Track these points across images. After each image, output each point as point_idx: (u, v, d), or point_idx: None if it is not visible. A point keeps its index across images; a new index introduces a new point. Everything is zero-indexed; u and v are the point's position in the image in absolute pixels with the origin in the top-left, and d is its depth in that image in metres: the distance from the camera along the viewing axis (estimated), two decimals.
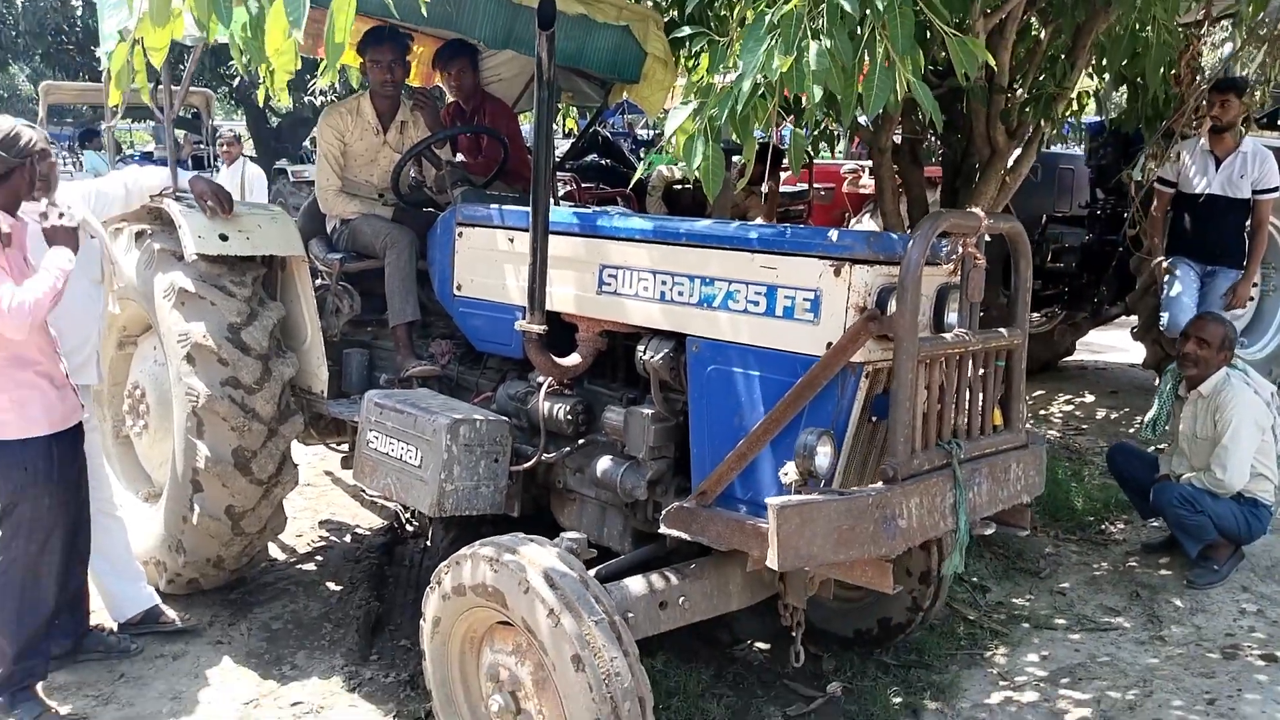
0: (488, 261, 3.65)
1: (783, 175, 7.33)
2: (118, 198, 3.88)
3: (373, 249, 4.26)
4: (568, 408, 3.38)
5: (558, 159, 5.28)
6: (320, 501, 5.55)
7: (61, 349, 3.33)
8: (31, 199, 3.24)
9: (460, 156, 4.86)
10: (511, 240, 3.55)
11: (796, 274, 2.71)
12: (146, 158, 15.73)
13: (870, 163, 10.07)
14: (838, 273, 2.61)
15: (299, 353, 4.11)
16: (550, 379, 3.40)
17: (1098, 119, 7.55)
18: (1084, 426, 6.85)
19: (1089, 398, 7.53)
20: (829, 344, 2.61)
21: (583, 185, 6.63)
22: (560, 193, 6.37)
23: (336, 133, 4.37)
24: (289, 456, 4.00)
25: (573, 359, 3.35)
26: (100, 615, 3.88)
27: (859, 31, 2.55)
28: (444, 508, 3.21)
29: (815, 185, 7.84)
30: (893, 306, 2.55)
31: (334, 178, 4.39)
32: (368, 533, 5.16)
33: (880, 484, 2.50)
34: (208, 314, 3.79)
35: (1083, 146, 7.85)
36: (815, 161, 7.58)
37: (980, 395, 2.84)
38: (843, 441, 2.62)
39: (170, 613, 3.92)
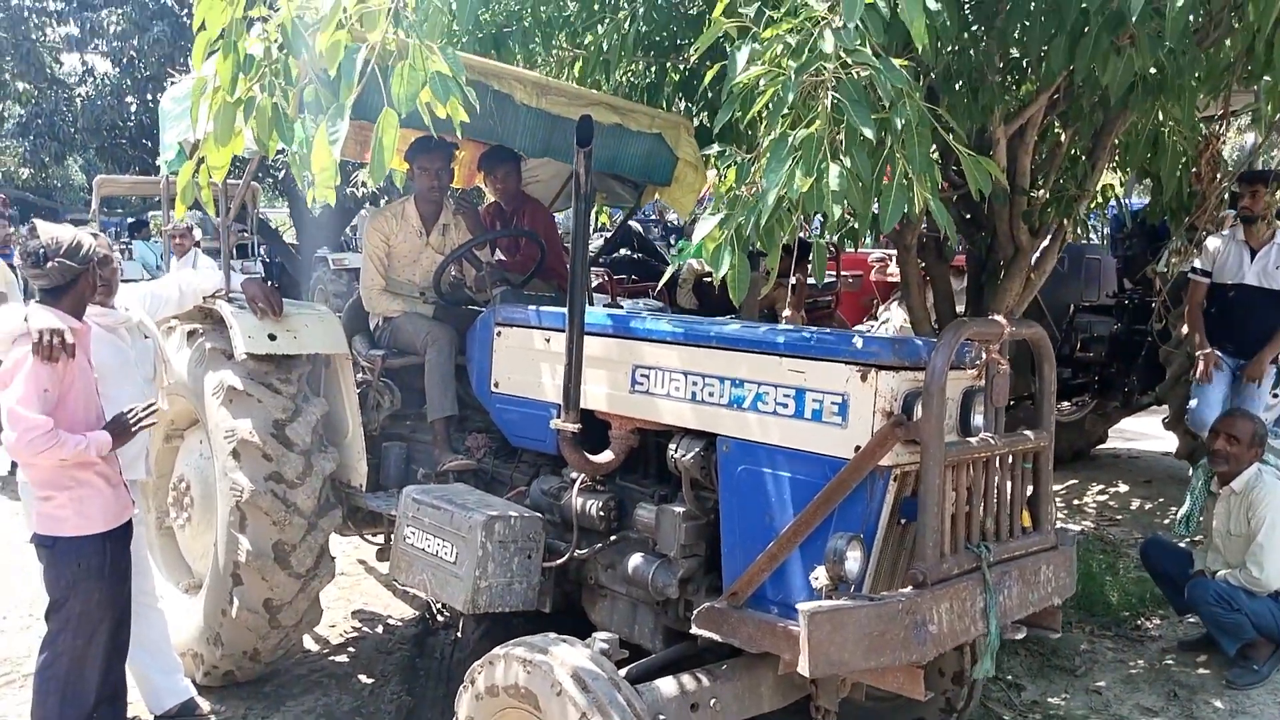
0: (524, 360, 3.77)
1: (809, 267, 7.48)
2: (172, 299, 4.06)
3: (414, 346, 4.40)
4: (600, 504, 3.46)
5: (591, 254, 5.45)
6: (354, 591, 5.61)
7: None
8: (94, 302, 3.42)
9: (499, 255, 5.04)
10: (548, 340, 3.67)
11: (824, 378, 2.80)
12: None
13: (895, 252, 10.22)
14: (864, 378, 2.69)
15: (340, 447, 4.22)
16: (583, 475, 3.48)
17: (1119, 212, 7.66)
18: (1118, 517, 6.79)
19: (1123, 487, 7.47)
20: (857, 447, 2.68)
21: (615, 278, 6.80)
22: (592, 284, 6.56)
23: (382, 235, 4.56)
24: (326, 549, 4.08)
25: (605, 456, 3.43)
26: (137, 707, 3.94)
27: (877, 150, 2.68)
28: (478, 605, 3.27)
29: (844, 274, 7.96)
30: (919, 411, 2.62)
31: (378, 278, 4.56)
32: (399, 624, 5.20)
33: (910, 589, 2.54)
34: (254, 411, 3.92)
35: (1107, 238, 7.94)
36: (843, 250, 7.72)
37: (1008, 497, 2.88)
38: (872, 545, 2.67)
39: (205, 705, 3.97)
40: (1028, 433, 2.96)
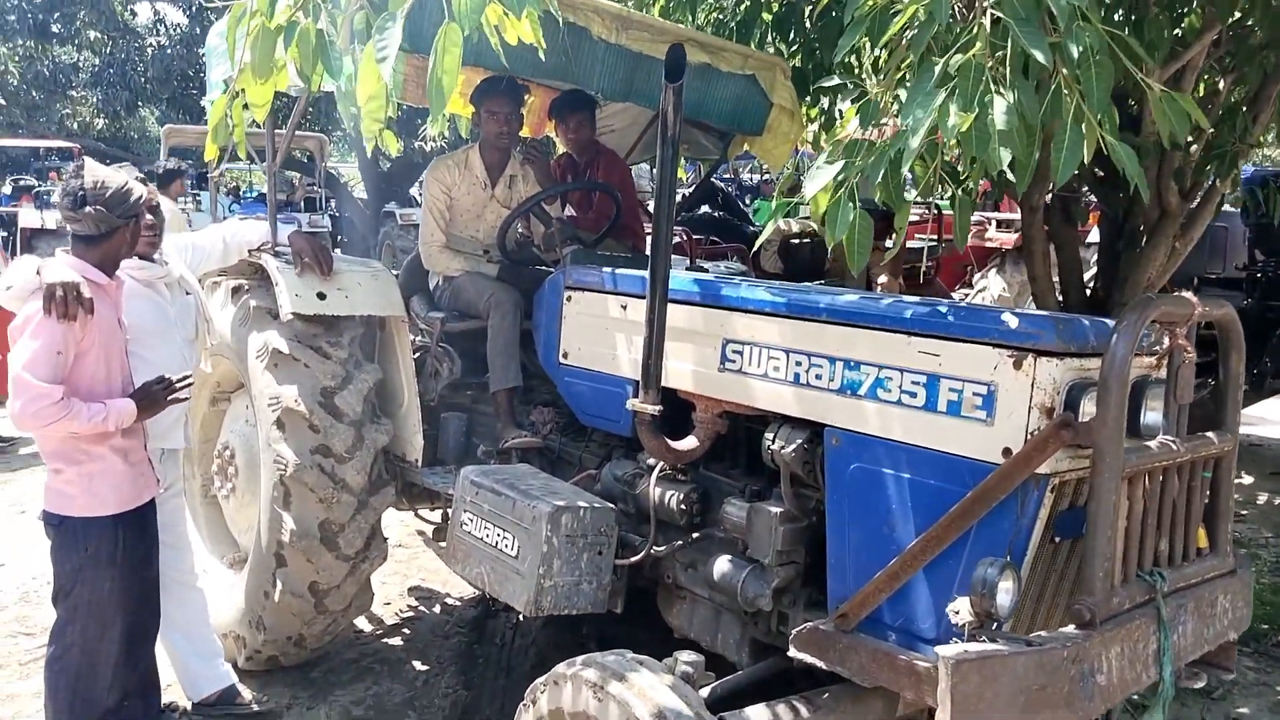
0: (597, 329, 3.33)
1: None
2: (215, 252, 3.71)
3: (476, 309, 3.99)
4: (681, 496, 3.02)
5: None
6: (410, 566, 5.29)
7: None
8: (134, 255, 3.07)
9: (570, 211, 4.59)
10: (624, 307, 3.22)
11: (965, 363, 2.30)
12: (262, 201, 16.13)
13: (994, 214, 9.52)
14: (1018, 365, 2.19)
15: (394, 418, 3.85)
16: (662, 463, 3.04)
17: (1256, 168, 6.89)
18: (1244, 512, 6.15)
19: (1247, 479, 6.81)
20: (1006, 449, 2.19)
21: (694, 239, 6.30)
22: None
23: (443, 186, 4.14)
24: (378, 530, 3.73)
25: (689, 443, 2.99)
26: (173, 692, 3.65)
27: (1043, 84, 2.16)
28: (541, 607, 2.88)
29: (940, 238, 7.34)
30: (1088, 409, 2.12)
31: (438, 233, 4.15)
32: (458, 603, 4.87)
33: (1073, 628, 2.05)
34: (301, 376, 3.56)
35: (1241, 203, 7.19)
36: (939, 213, 7.11)
37: (1185, 513, 2.37)
38: (1021, 569, 2.18)
39: (248, 693, 3.66)
40: (1210, 435, 2.44)
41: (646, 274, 2.76)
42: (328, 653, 4.10)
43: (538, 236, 4.10)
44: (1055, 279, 4.54)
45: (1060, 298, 4.49)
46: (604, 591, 2.99)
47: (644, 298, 3.08)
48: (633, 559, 3.03)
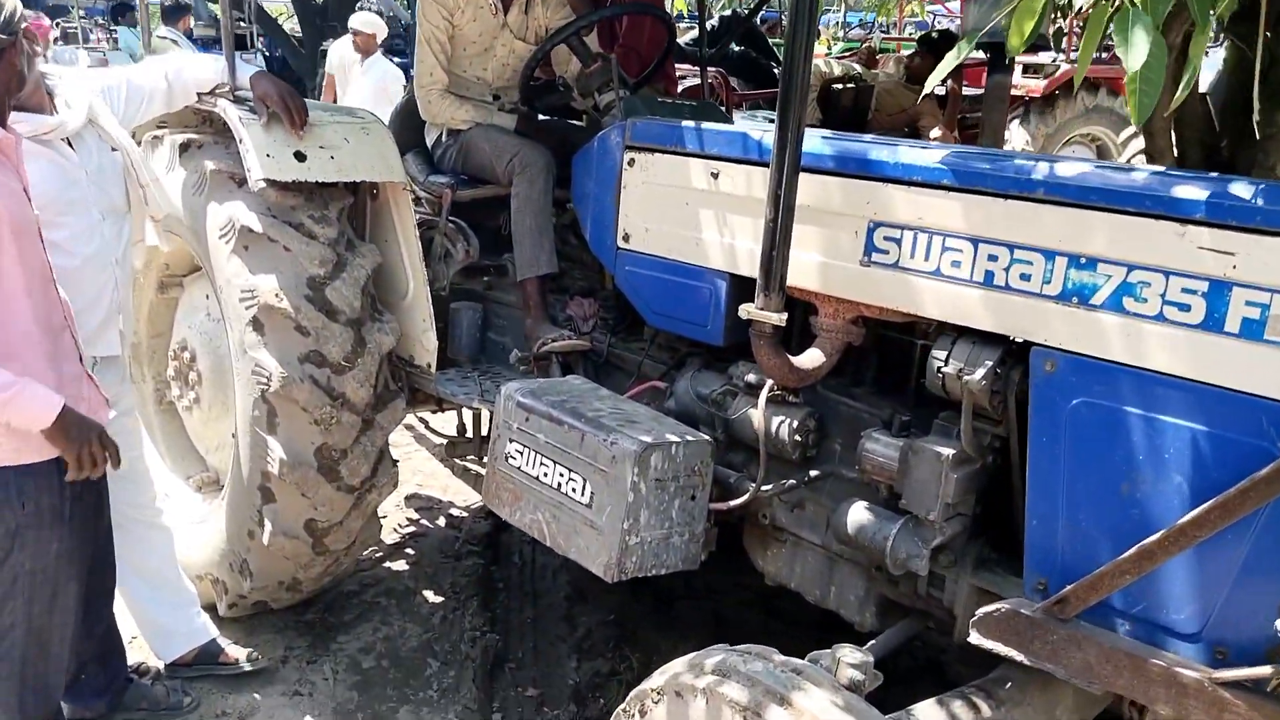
0: (675, 204, 2.57)
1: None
2: (155, 93, 2.81)
3: (492, 172, 3.18)
4: (795, 424, 2.35)
5: (683, 46, 4.09)
6: (404, 468, 4.55)
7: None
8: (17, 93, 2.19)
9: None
10: (716, 176, 2.45)
11: (1275, 266, 1.62)
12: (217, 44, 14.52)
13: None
14: None
15: (397, 311, 3.09)
16: (771, 382, 2.35)
17: None
18: None
19: None
20: None
21: (729, 81, 5.40)
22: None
23: (443, 11, 3.24)
24: (387, 452, 3.02)
25: (813, 358, 2.30)
26: (142, 651, 2.99)
27: None
28: (625, 569, 2.23)
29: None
30: None
31: (439, 72, 3.27)
32: (465, 514, 4.23)
33: None
34: (280, 262, 2.77)
35: None
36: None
37: None
38: None
39: (232, 650, 3.00)
40: None
41: (756, 130, 2.01)
42: (325, 589, 3.45)
43: (570, 76, 3.25)
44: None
45: (1178, 158, 3.79)
46: (696, 544, 2.36)
47: (746, 163, 2.34)
48: (733, 503, 2.38)
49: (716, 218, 2.45)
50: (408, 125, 3.54)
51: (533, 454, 2.40)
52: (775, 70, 5.71)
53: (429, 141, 3.44)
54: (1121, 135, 7.16)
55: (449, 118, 3.29)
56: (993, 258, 1.96)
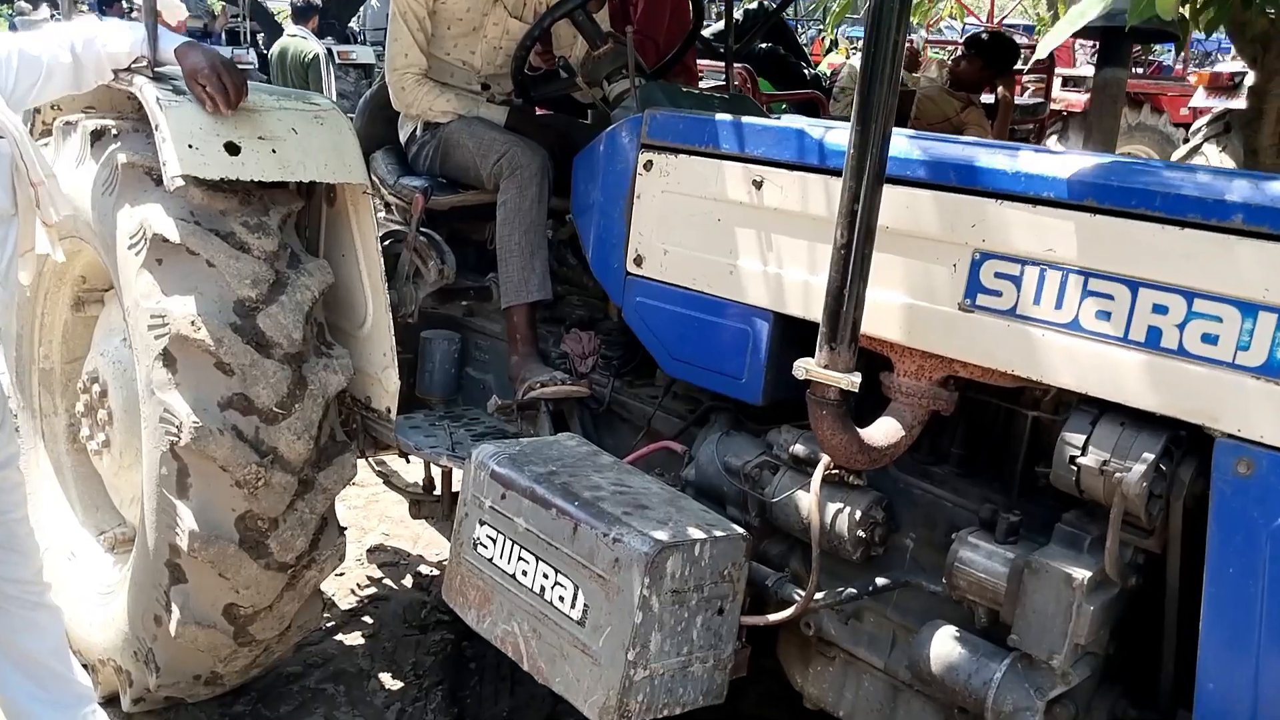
0: (705, 220, 1.99)
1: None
2: (56, 68, 2.23)
3: (475, 175, 2.62)
4: (858, 514, 1.78)
5: (708, 38, 3.52)
6: (369, 514, 4.02)
7: None
8: None
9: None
10: (759, 185, 1.88)
11: None
12: None
13: (1061, 70, 8.01)
14: None
15: (352, 342, 2.52)
16: (831, 459, 1.77)
17: None
18: None
19: None
20: None
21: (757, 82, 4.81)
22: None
23: None
24: (332, 518, 2.44)
25: (888, 432, 1.72)
26: None
27: None
28: (627, 711, 1.66)
29: (1049, 94, 5.93)
30: None
31: (415, 53, 2.71)
32: (436, 571, 3.64)
33: None
34: (202, 282, 2.20)
35: None
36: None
37: None
38: None
39: None
40: None
41: (815, 126, 1.45)
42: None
43: (576, 62, 2.69)
44: None
45: None
46: (724, 671, 1.78)
47: (801, 168, 1.77)
48: (774, 617, 1.80)
49: (759, 240, 1.88)
50: (378, 118, 2.98)
51: (509, 544, 1.83)
52: (806, 71, 5.19)
53: (401, 137, 2.87)
54: (1174, 156, 6.64)
55: (425, 108, 2.72)
56: (1160, 309, 1.39)
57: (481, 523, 1.89)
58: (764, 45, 5.69)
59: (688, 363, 2.05)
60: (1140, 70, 9.29)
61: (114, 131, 2.43)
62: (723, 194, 1.94)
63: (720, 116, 1.97)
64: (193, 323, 2.15)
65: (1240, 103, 5.58)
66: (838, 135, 1.76)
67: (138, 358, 2.28)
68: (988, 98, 5.17)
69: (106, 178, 2.38)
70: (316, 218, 2.59)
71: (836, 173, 1.73)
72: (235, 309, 2.21)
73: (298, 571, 2.34)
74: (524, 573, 1.80)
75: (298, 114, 2.40)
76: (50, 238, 2.34)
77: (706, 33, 4.88)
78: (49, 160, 2.39)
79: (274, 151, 2.30)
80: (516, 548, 1.81)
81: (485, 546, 1.88)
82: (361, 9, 16.07)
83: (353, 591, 3.44)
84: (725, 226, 1.94)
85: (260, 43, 15.68)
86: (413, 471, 3.44)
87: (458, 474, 2.59)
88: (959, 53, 4.69)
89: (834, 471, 1.79)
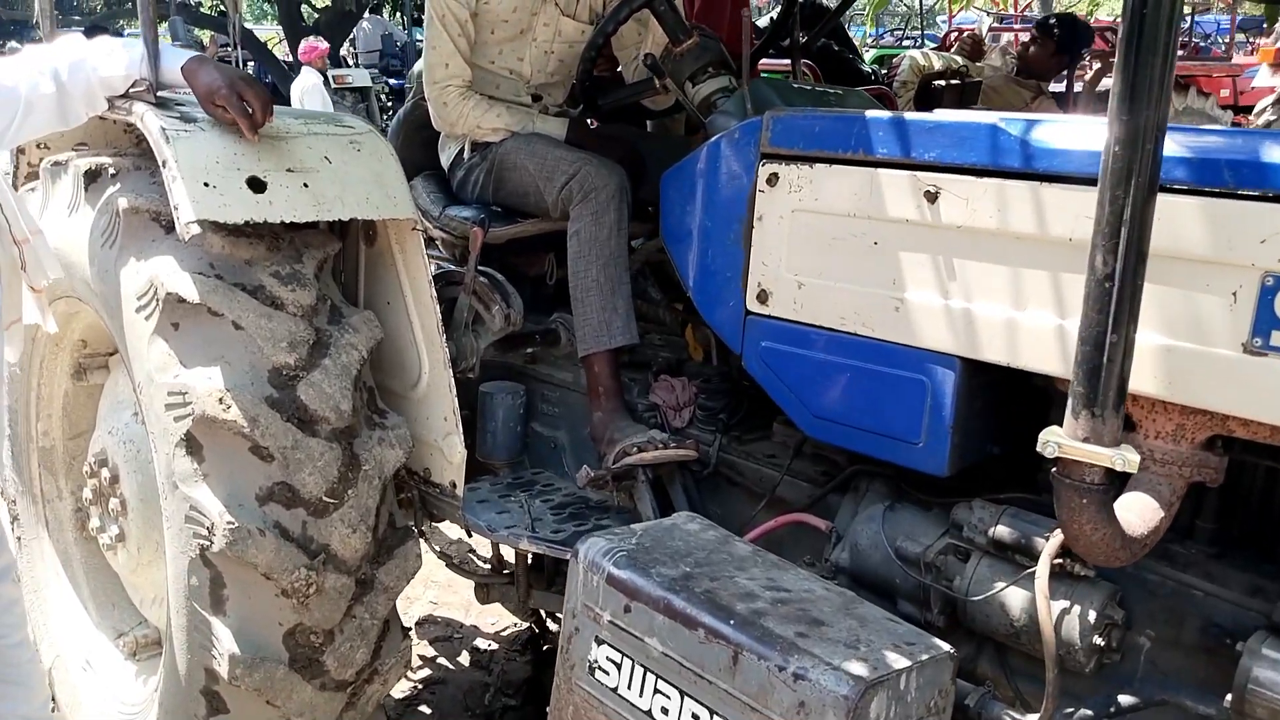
0: (856, 245, 1.59)
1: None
2: (38, 101, 1.84)
3: (537, 201, 2.23)
4: (1092, 614, 1.39)
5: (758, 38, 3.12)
6: (415, 582, 3.61)
7: None
8: None
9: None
10: (934, 197, 1.48)
11: None
12: None
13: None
14: None
15: (406, 406, 2.13)
16: (1058, 546, 1.37)
17: None
18: None
19: None
20: None
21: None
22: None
23: None
24: (395, 620, 2.04)
25: (1144, 512, 1.32)
26: None
27: None
28: None
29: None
30: None
31: (458, 62, 2.32)
32: (495, 644, 3.24)
33: None
34: (228, 348, 1.81)
35: None
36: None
37: None
38: None
39: None
40: None
41: (1013, 121, 1.08)
42: None
43: (630, 66, 2.32)
44: None
45: None
46: None
47: (997, 174, 1.39)
48: None
49: (936, 266, 1.49)
50: (415, 141, 2.60)
51: (639, 670, 1.44)
52: (863, 68, 4.81)
53: (444, 161, 2.49)
54: None
55: (473, 126, 2.33)
56: None
57: (599, 640, 1.49)
58: (819, 41, 5.30)
59: (837, 422, 1.65)
60: (1180, 52, 8.92)
61: (112, 171, 2.04)
62: (880, 210, 1.54)
63: (870, 114, 1.58)
64: (220, 400, 1.76)
65: None
66: (1048, 131, 1.37)
67: (154, 443, 1.89)
68: (1058, 85, 4.79)
69: (106, 226, 1.99)
70: (354, 261, 2.21)
71: (1047, 178, 1.34)
72: (271, 379, 1.82)
73: (358, 688, 1.94)
74: (664, 710, 1.40)
75: (330, 139, 2.01)
76: (39, 304, 1.96)
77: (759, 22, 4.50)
78: (35, 212, 2.01)
79: (306, 186, 1.91)
80: (651, 676, 1.42)
81: (606, 672, 1.48)
82: (354, 31, 15.72)
83: (404, 676, 3.04)
84: (886, 251, 1.54)
85: (253, 72, 15.35)
86: (477, 543, 3.05)
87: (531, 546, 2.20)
88: (1027, 38, 4.32)
89: (1059, 560, 1.39)
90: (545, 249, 2.46)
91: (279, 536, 1.77)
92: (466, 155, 2.38)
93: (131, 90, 1.94)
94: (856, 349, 1.59)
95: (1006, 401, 1.56)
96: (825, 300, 1.63)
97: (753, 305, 1.74)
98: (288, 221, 1.87)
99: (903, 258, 1.53)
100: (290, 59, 15.17)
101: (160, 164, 1.85)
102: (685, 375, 2.22)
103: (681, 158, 2.13)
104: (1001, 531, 1.47)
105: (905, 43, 12.00)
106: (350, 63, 15.59)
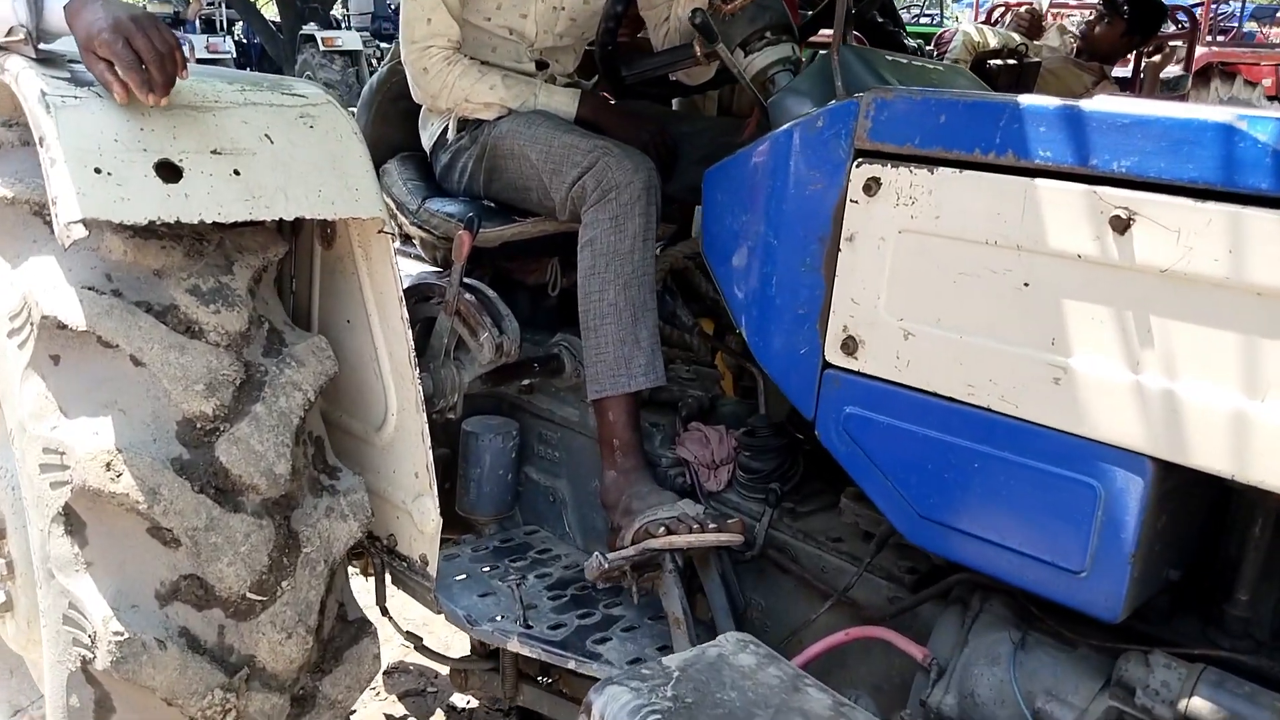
0: (998, 284, 1.12)
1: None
2: None
3: (540, 196, 1.77)
4: None
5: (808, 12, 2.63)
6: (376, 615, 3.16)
7: None
8: None
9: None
10: (1126, 225, 1.01)
11: None
12: None
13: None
14: None
15: (367, 454, 1.67)
16: None
17: None
18: None
19: None
20: None
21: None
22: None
23: None
24: None
25: None
26: None
27: None
28: None
29: (1190, 63, 5.01)
30: None
31: (443, 17, 1.83)
32: (473, 702, 2.80)
33: None
34: (123, 392, 1.35)
35: None
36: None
37: None
38: None
39: None
40: None
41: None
42: None
43: (659, 30, 1.84)
44: None
45: None
46: None
47: (1234, 198, 0.91)
48: None
49: (1122, 323, 1.03)
50: (389, 116, 2.13)
51: None
52: (909, 42, 4.35)
53: (425, 141, 2.01)
54: None
55: (460, 99, 1.85)
56: None
57: None
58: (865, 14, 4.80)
59: (956, 529, 1.19)
60: (1221, 38, 8.45)
61: None
62: (1037, 239, 1.08)
63: (1026, 101, 1.11)
64: (109, 465, 1.29)
65: None
66: None
67: (28, 511, 1.42)
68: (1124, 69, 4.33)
69: None
70: (306, 269, 1.74)
71: None
72: (180, 434, 1.36)
73: None
74: None
75: (273, 112, 1.53)
76: None
77: None
78: None
79: (236, 173, 1.44)
80: None
81: None
82: None
83: None
84: (1044, 297, 1.08)
85: (238, 32, 14.75)
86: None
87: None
88: (1092, 15, 3.85)
89: None
90: (548, 252, 2.00)
91: (185, 648, 1.31)
92: (451, 135, 1.91)
93: (7, 41, 1.46)
94: (991, 431, 1.14)
95: (1194, 510, 1.11)
96: (945, 358, 1.17)
97: (834, 355, 1.28)
98: (210, 221, 1.39)
99: (1070, 309, 1.07)
100: (277, 18, 14.54)
101: (37, 141, 1.37)
102: (722, 422, 1.77)
103: (719, 144, 1.68)
104: (1200, 707, 1.03)
105: (922, 20, 11.49)
106: (341, 24, 14.98)
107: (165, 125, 1.40)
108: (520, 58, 1.97)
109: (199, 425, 1.37)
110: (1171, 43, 4.50)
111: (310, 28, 12.59)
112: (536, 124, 1.76)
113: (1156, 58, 4.12)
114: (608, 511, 1.68)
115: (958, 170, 1.14)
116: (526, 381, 1.90)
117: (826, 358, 1.29)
